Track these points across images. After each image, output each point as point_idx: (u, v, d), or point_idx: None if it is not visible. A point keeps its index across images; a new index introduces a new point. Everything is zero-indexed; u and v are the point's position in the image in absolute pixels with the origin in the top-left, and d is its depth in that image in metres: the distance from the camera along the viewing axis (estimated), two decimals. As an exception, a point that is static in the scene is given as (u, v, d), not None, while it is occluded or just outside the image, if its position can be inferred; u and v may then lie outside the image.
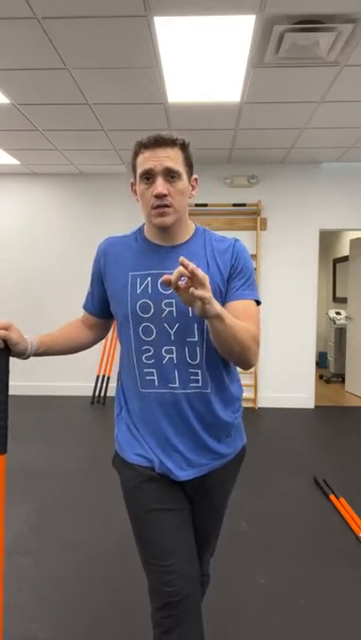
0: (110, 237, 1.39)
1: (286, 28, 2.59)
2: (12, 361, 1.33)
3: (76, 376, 5.74)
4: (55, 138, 4.50)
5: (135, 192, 1.29)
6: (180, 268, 1.02)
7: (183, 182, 1.24)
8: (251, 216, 5.43)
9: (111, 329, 1.55)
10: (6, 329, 1.25)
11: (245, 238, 5.26)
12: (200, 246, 1.30)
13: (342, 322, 6.85)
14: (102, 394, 5.59)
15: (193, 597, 1.22)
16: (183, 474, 1.27)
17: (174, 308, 1.23)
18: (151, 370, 1.27)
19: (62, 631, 1.91)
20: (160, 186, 1.20)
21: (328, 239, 7.88)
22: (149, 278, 1.26)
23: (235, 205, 5.39)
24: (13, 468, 3.79)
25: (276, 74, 3.17)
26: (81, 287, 1.41)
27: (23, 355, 1.32)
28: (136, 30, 2.64)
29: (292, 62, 2.98)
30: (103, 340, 1.54)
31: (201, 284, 1.02)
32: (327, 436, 4.65)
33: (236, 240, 1.33)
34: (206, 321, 1.16)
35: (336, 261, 7.96)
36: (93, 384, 5.65)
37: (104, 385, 5.61)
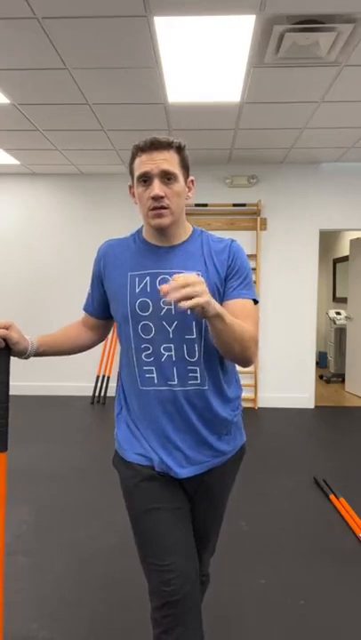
0: (110, 240, 1.42)
1: (286, 28, 2.59)
2: (13, 361, 1.33)
3: (76, 376, 5.74)
4: (55, 138, 4.50)
5: (133, 195, 1.32)
6: (173, 284, 1.03)
7: (179, 184, 1.26)
8: (251, 216, 5.43)
9: (111, 330, 1.56)
10: (7, 328, 1.27)
11: (245, 238, 5.27)
12: (197, 247, 1.32)
13: (342, 322, 6.85)
14: (102, 394, 5.59)
15: (192, 597, 1.22)
16: (183, 471, 1.28)
17: (173, 306, 1.25)
18: (150, 367, 1.29)
19: (62, 631, 1.92)
20: (157, 188, 1.22)
21: (328, 239, 7.88)
22: (148, 278, 1.28)
23: (235, 205, 5.39)
24: (13, 467, 3.79)
25: (276, 74, 3.17)
26: (81, 287, 1.42)
27: (24, 354, 1.34)
28: (136, 30, 2.64)
29: (293, 62, 2.99)
30: (103, 341, 1.55)
31: (195, 285, 1.03)
32: (327, 436, 4.65)
33: (233, 240, 1.35)
34: (206, 320, 1.17)
35: (336, 261, 7.96)
36: (93, 384, 5.65)
37: (104, 385, 5.61)
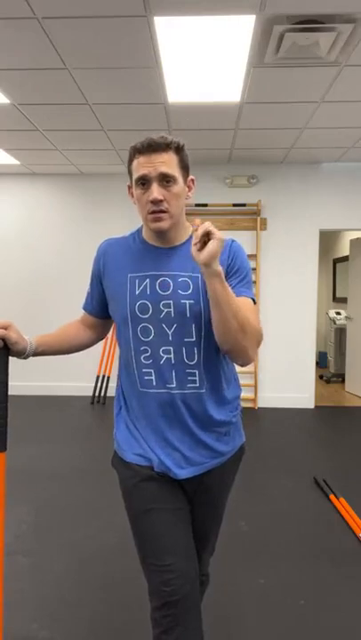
0: (110, 239, 1.41)
1: (286, 28, 2.59)
2: (13, 361, 1.33)
3: (76, 376, 5.74)
4: (55, 138, 4.50)
5: (132, 195, 1.30)
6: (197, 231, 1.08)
7: (179, 185, 1.24)
8: (251, 216, 5.43)
9: (111, 329, 1.55)
10: (5, 328, 1.27)
11: (245, 238, 5.27)
12: None
13: (342, 322, 6.85)
14: (102, 394, 5.59)
15: (192, 597, 1.22)
16: (182, 472, 1.28)
17: (172, 309, 1.25)
18: (149, 370, 1.28)
19: (62, 631, 1.92)
20: (155, 191, 1.21)
21: (328, 239, 7.88)
22: (148, 280, 1.28)
23: (235, 205, 5.39)
24: (13, 467, 3.79)
25: (276, 74, 3.17)
26: (81, 287, 1.42)
27: (22, 354, 1.33)
28: (136, 30, 2.64)
29: (293, 62, 2.99)
30: (103, 341, 1.55)
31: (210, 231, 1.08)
32: (327, 436, 4.65)
33: (233, 240, 1.34)
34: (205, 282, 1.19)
35: (336, 261, 7.96)
36: (93, 384, 5.65)
37: (104, 385, 5.61)
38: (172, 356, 1.26)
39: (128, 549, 1.27)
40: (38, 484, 3.30)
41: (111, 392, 5.49)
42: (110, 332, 1.59)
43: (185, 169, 1.28)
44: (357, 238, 6.15)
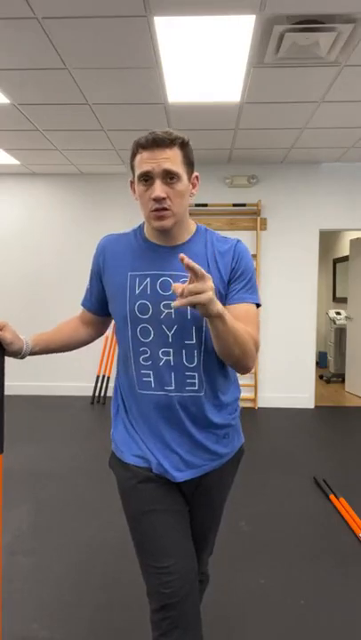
0: (110, 235, 1.38)
1: (286, 28, 2.59)
2: (14, 361, 1.33)
3: (76, 376, 5.74)
4: (55, 138, 4.50)
5: (134, 191, 1.26)
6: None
7: (183, 183, 1.21)
8: (251, 216, 5.43)
9: (109, 327, 1.53)
10: (0, 329, 1.25)
11: (245, 238, 5.25)
12: (201, 246, 1.28)
13: (342, 322, 6.85)
14: (102, 394, 5.59)
15: (191, 599, 1.21)
16: (180, 475, 1.26)
17: (172, 310, 1.22)
18: (148, 372, 1.26)
19: (62, 631, 1.92)
20: (158, 189, 1.17)
21: (328, 239, 7.88)
22: (148, 279, 1.25)
23: (235, 205, 5.39)
24: (13, 467, 3.80)
25: (276, 74, 3.17)
26: (81, 287, 1.41)
27: (19, 354, 1.32)
28: (136, 30, 2.64)
29: (292, 62, 2.99)
30: (103, 340, 1.53)
31: (202, 280, 1.01)
32: (327, 436, 4.65)
33: (238, 241, 1.30)
34: (207, 322, 1.15)
35: (336, 261, 7.96)
36: (93, 384, 5.65)
37: (104, 385, 5.61)
38: (171, 358, 1.24)
39: (128, 549, 1.27)
40: (38, 484, 3.30)
41: (111, 392, 5.46)
42: (110, 332, 1.58)
43: (190, 165, 1.24)
44: (357, 238, 6.15)
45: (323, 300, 7.89)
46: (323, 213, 5.42)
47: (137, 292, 1.25)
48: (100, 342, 5.53)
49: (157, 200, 1.18)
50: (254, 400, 5.48)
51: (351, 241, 6.28)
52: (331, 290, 8.24)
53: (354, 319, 6.20)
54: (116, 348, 1.36)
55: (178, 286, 1.01)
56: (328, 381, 6.94)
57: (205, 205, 5.33)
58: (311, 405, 5.56)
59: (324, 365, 7.71)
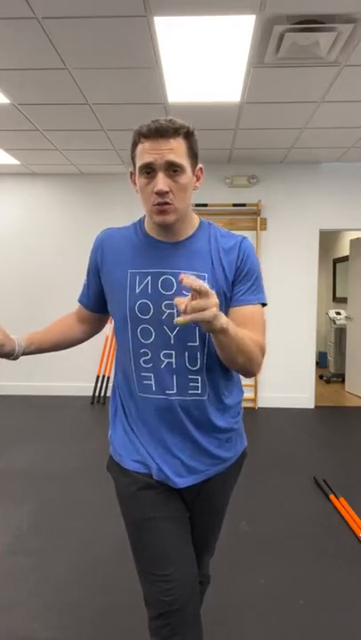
0: (109, 228, 1.31)
1: (286, 28, 2.59)
2: (15, 362, 1.32)
3: (76, 376, 5.74)
4: (55, 138, 4.50)
5: (134, 182, 1.19)
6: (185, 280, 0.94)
7: (187, 175, 1.14)
8: (251, 216, 5.43)
9: (107, 325, 1.50)
10: None
11: (245, 238, 5.26)
12: (204, 242, 1.22)
13: (342, 322, 6.85)
14: (102, 394, 5.59)
15: (191, 606, 1.17)
16: (182, 481, 1.22)
17: (175, 311, 1.15)
18: (148, 374, 1.21)
19: (63, 631, 1.92)
20: (161, 182, 1.10)
21: (328, 239, 7.87)
22: (149, 277, 1.19)
23: (235, 205, 5.39)
24: (13, 468, 3.80)
25: (276, 74, 3.17)
26: (81, 287, 1.40)
27: (11, 356, 1.26)
28: (136, 30, 2.64)
29: (292, 62, 2.98)
30: (103, 340, 1.51)
31: (205, 297, 0.94)
32: (327, 436, 4.65)
33: (244, 238, 1.24)
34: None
35: (336, 261, 7.96)
36: (93, 384, 5.65)
37: (104, 385, 5.61)
38: (173, 360, 1.18)
39: (128, 549, 1.26)
40: (38, 484, 3.30)
41: (111, 392, 5.48)
42: (110, 331, 1.57)
43: (194, 157, 1.16)
44: (357, 238, 6.15)
45: (323, 299, 7.89)
46: (323, 213, 5.42)
47: (137, 290, 1.19)
48: (100, 342, 5.53)
49: (160, 194, 1.11)
50: (254, 400, 5.48)
51: (351, 241, 6.28)
52: (331, 290, 8.24)
53: (354, 319, 6.20)
54: (116, 347, 1.33)
55: (180, 302, 0.94)
56: (328, 381, 6.94)
57: (205, 205, 5.33)
58: (311, 405, 5.56)
59: (324, 365, 7.71)
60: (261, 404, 5.51)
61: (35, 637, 1.88)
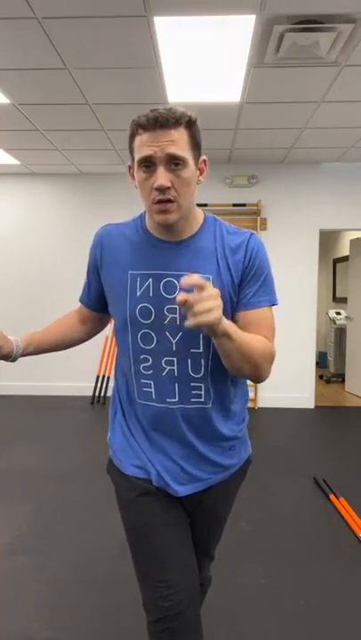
0: (108, 225, 1.24)
1: (286, 28, 2.59)
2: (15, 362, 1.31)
3: (76, 376, 5.74)
4: (55, 138, 4.50)
5: (133, 177, 1.11)
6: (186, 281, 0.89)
7: (189, 169, 1.05)
8: (251, 216, 5.43)
9: (108, 324, 1.46)
10: None
11: (245, 238, 5.26)
12: (209, 240, 1.14)
13: (342, 322, 6.85)
14: (102, 394, 5.59)
15: (191, 611, 1.14)
16: (182, 489, 1.18)
17: (178, 315, 1.10)
18: (149, 382, 1.15)
19: (63, 631, 1.91)
20: (162, 177, 1.02)
21: (328, 239, 7.87)
22: (151, 279, 1.12)
23: (235, 205, 5.39)
24: (13, 468, 3.80)
25: (276, 74, 3.16)
26: (81, 287, 1.39)
27: (9, 357, 1.22)
28: (136, 30, 2.64)
29: (292, 62, 2.98)
30: (103, 340, 1.46)
31: (209, 296, 0.89)
32: (327, 436, 4.65)
33: (252, 234, 1.16)
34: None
35: (336, 261, 7.96)
36: (93, 384, 5.65)
37: (104, 385, 5.61)
38: (175, 367, 1.12)
39: (128, 550, 1.26)
40: (38, 484, 3.29)
41: (111, 392, 5.48)
42: (110, 332, 1.55)
43: (197, 148, 1.08)
44: (357, 238, 6.15)
45: (323, 299, 7.89)
46: (323, 213, 5.42)
47: (138, 293, 1.13)
48: (100, 342, 5.53)
49: (161, 190, 1.03)
50: (254, 400, 5.48)
51: (351, 241, 6.28)
52: (331, 290, 8.24)
53: (354, 319, 6.20)
54: (117, 348, 1.30)
55: (182, 299, 0.87)
56: (328, 381, 6.94)
57: (205, 205, 5.31)
58: (311, 405, 5.55)
59: (324, 365, 7.71)
60: (261, 404, 5.51)
61: (35, 637, 1.88)
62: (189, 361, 1.13)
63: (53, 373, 5.71)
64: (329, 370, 7.24)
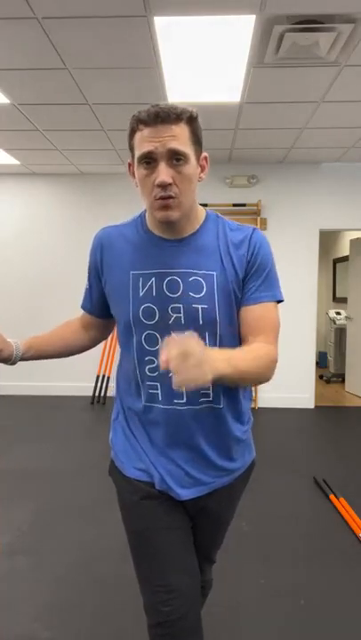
0: (108, 227, 1.23)
1: (286, 28, 2.59)
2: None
3: (76, 376, 5.74)
4: (55, 138, 4.50)
5: (133, 174, 1.09)
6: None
7: (191, 165, 1.04)
8: (251, 216, 5.43)
9: (113, 331, 1.44)
10: None
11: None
12: (212, 237, 1.13)
13: (342, 322, 6.85)
14: (102, 394, 5.59)
15: (192, 615, 1.13)
16: (185, 493, 1.16)
17: (182, 315, 1.08)
18: (155, 383, 1.13)
19: (63, 631, 1.91)
20: (163, 173, 1.01)
21: (328, 239, 7.88)
22: (153, 279, 1.10)
23: (235, 205, 5.39)
24: (13, 468, 3.80)
25: (276, 74, 3.16)
26: (81, 288, 1.39)
27: (9, 361, 1.20)
28: (136, 30, 2.64)
29: (292, 62, 2.98)
30: (104, 340, 1.43)
31: (195, 367, 0.86)
32: (327, 436, 4.65)
33: (255, 229, 1.15)
34: (221, 327, 1.09)
35: (336, 261, 7.96)
36: (93, 384, 5.65)
37: (104, 385, 5.61)
38: None
39: (129, 550, 1.26)
40: (38, 484, 3.29)
41: (111, 392, 5.49)
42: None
43: (198, 144, 1.07)
44: (357, 238, 6.15)
45: (323, 299, 7.89)
46: (323, 213, 5.42)
47: (141, 294, 1.11)
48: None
49: (162, 186, 1.01)
50: (254, 400, 5.48)
51: (351, 241, 6.28)
52: (331, 290, 8.24)
53: (354, 319, 6.20)
54: (117, 347, 1.28)
55: (164, 365, 0.86)
56: (328, 381, 6.94)
57: (205, 205, 5.27)
58: (311, 405, 5.55)
59: (324, 365, 7.71)
60: (261, 404, 5.51)
61: (35, 637, 1.88)
62: None
63: (53, 373, 5.70)
64: (329, 370, 7.24)
